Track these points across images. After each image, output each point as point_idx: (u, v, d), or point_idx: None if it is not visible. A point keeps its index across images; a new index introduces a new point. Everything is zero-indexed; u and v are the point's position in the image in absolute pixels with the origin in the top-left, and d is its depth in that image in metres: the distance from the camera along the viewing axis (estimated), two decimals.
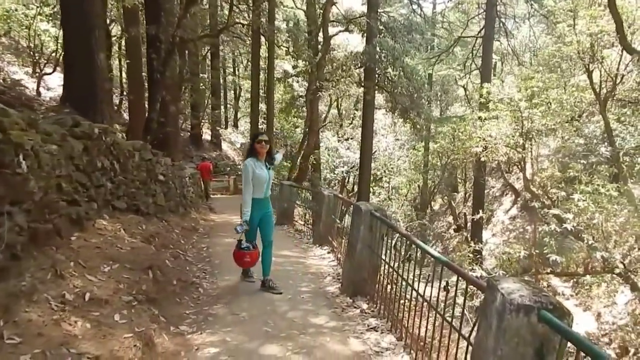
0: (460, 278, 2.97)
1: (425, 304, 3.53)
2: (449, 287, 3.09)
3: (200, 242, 8.36)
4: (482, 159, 15.47)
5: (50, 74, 16.15)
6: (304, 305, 4.79)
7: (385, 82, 22.29)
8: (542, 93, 13.99)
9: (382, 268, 4.72)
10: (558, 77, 16.61)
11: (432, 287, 3.42)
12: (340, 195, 7.89)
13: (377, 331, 4.03)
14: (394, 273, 4.29)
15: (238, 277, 5.86)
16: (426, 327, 3.65)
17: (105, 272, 3.92)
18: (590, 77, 14.97)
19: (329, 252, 7.48)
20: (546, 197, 13.18)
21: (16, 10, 21.96)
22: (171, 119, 13.78)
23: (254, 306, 4.68)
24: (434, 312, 3.29)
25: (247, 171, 5.45)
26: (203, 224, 10.89)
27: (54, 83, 17.69)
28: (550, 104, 13.81)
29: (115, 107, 26.55)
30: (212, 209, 14.03)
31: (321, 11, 21.33)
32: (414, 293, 3.73)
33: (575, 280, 14.64)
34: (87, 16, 9.11)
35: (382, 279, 4.71)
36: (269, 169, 5.66)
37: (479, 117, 14.48)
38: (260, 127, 26.38)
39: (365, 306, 4.70)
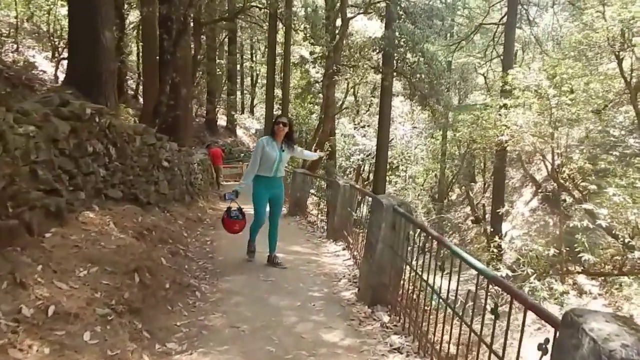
0: (515, 299, 2.30)
1: (464, 325, 2.87)
2: (498, 312, 2.42)
3: (205, 234, 7.77)
4: (508, 148, 14.67)
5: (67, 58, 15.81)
6: (314, 316, 4.14)
7: (405, 68, 21.50)
8: (571, 80, 13.16)
9: (407, 273, 4.06)
10: (584, 65, 15.72)
11: (473, 307, 2.76)
12: (357, 186, 7.21)
13: (401, 353, 3.36)
14: (423, 283, 3.63)
15: (241, 277, 5.25)
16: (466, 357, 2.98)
17: (80, 278, 3.32)
18: (620, 65, 14.15)
19: (344, 249, 6.83)
20: (576, 190, 12.37)
21: None
22: (182, 102, 13.17)
23: (257, 316, 4.03)
24: (478, 342, 2.61)
25: (258, 147, 5.84)
26: (210, 213, 10.31)
27: None
28: (578, 92, 12.99)
29: (132, 92, 26.16)
30: (222, 196, 13.46)
31: None
32: (449, 309, 3.07)
33: (603, 278, 13.86)
34: None
35: (406, 285, 4.06)
36: (283, 150, 5.84)
37: (504, 105, 13.64)
38: (275, 112, 25.80)
39: (386, 319, 4.04)
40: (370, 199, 5.34)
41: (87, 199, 4.98)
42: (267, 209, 6.07)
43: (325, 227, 8.38)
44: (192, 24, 18.54)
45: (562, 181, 12.90)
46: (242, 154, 30.20)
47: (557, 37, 32.21)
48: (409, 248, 4.02)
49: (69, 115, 4.73)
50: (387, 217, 4.33)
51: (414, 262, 3.88)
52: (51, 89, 9.66)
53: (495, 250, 16.28)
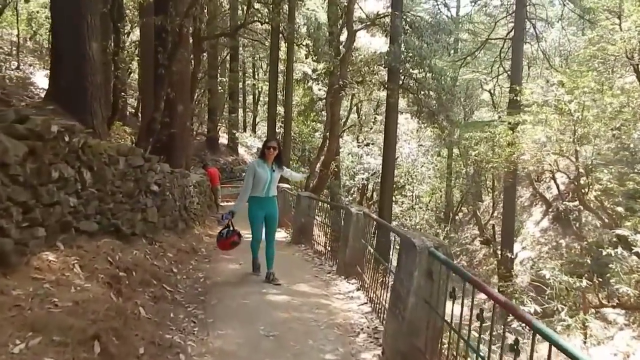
0: None
1: None
2: None
3: (199, 268, 6.84)
4: (530, 167, 13.77)
5: None
6: None
7: (411, 84, 20.73)
8: (592, 94, 12.33)
9: (449, 336, 3.14)
10: (602, 79, 14.92)
11: None
12: (373, 215, 6.27)
13: None
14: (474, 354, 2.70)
15: (237, 330, 4.31)
16: None
17: (14, 356, 2.40)
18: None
19: (358, 289, 5.87)
20: (605, 213, 11.41)
21: (38, 12, 21.06)
22: (179, 119, 12.31)
23: None
24: None
25: (250, 170, 6.32)
26: (207, 241, 9.41)
27: None
28: (601, 107, 12.14)
29: (133, 110, 25.39)
30: (219, 219, 12.56)
31: (343, 11, 19.86)
32: None
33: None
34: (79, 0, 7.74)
35: (449, 354, 3.13)
36: (274, 171, 6.26)
37: (522, 121, 12.78)
38: (277, 130, 25.04)
39: None
40: (395, 235, 4.41)
41: (49, 236, 4.08)
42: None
43: (335, 259, 7.43)
44: (191, 39, 17.89)
45: (589, 203, 11.94)
46: (244, 173, 29.33)
47: (564, 52, 31.55)
48: (452, 305, 3.09)
49: (26, 133, 3.85)
50: (422, 263, 3.41)
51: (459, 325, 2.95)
52: (30, 105, 8.85)
53: (506, 273, 15.35)
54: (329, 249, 8.46)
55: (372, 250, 5.86)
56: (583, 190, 11.70)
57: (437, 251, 3.37)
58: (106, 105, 15.30)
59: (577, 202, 19.52)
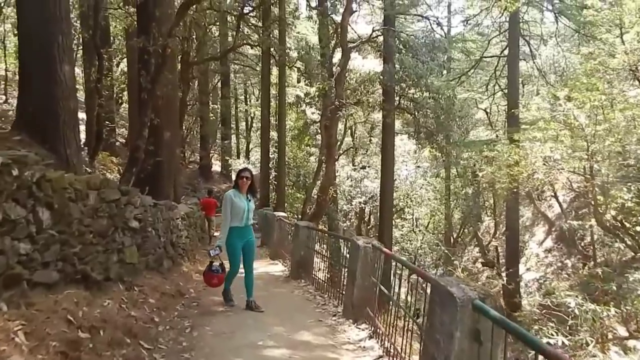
0: None
1: None
2: None
3: (185, 315, 5.96)
4: (540, 186, 13.02)
5: None
6: None
7: (408, 104, 20.15)
8: (604, 110, 11.69)
9: None
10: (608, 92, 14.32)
11: None
12: (385, 249, 5.43)
13: None
14: None
15: None
16: None
17: None
18: None
19: (370, 336, 5.00)
20: (627, 234, 10.60)
21: None
22: (165, 147, 11.52)
23: None
24: None
25: (227, 201, 6.25)
26: (197, 279, 8.53)
27: None
28: (613, 121, 11.48)
29: (124, 140, 24.59)
30: (208, 253, 11.69)
31: (335, 31, 19.32)
32: None
33: None
34: (49, 18, 7.00)
35: None
36: (249, 200, 6.40)
37: (530, 138, 12.08)
38: (271, 156, 24.32)
39: None
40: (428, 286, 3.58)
41: None
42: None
43: (341, 300, 6.56)
44: (179, 64, 17.26)
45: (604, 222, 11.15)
46: None
47: (559, 68, 31.16)
48: None
49: None
50: (464, 321, 2.60)
51: None
52: None
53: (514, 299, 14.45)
54: (332, 284, 7.60)
55: (387, 292, 5.02)
56: (600, 210, 10.91)
57: (485, 304, 2.56)
58: (91, 135, 14.70)
59: (581, 221, 18.78)
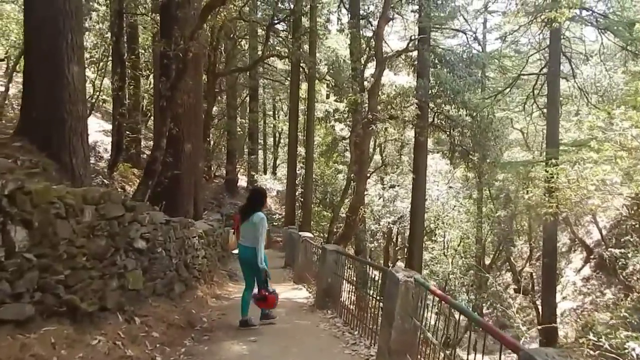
0: None
1: None
2: None
3: (192, 353, 5.10)
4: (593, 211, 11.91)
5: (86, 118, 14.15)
6: None
7: (443, 121, 19.23)
8: None
9: None
10: None
11: None
12: (434, 288, 4.48)
13: None
14: None
15: None
16: None
17: None
18: None
19: None
20: None
21: None
22: (185, 159, 10.80)
23: None
24: None
25: (265, 225, 6.32)
26: (213, 305, 7.73)
27: (91, 129, 16.33)
28: None
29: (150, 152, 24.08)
30: (233, 275, 10.89)
31: (367, 44, 18.60)
32: None
33: None
34: (57, 13, 6.37)
35: None
36: None
37: (579, 160, 11.01)
38: (298, 172, 23.62)
39: None
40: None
41: None
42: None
43: (374, 340, 5.62)
44: (205, 76, 16.69)
45: None
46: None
47: (600, 88, 29.81)
48: None
49: None
50: None
51: None
52: None
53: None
54: (361, 314, 6.66)
55: (435, 341, 4.09)
56: None
57: None
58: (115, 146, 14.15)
59: (623, 249, 17.45)
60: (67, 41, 6.35)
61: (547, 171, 12.98)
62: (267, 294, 6.26)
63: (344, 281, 7.51)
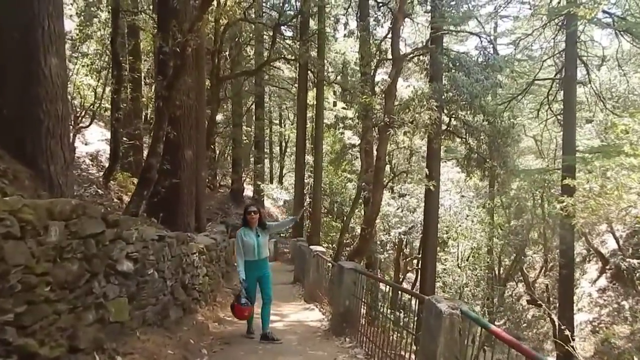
0: None
1: None
2: None
3: None
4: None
5: (87, 127, 14.21)
6: None
7: (458, 127, 18.26)
8: None
9: None
10: None
11: None
12: (495, 328, 3.51)
13: None
14: None
15: None
16: None
17: None
18: None
19: None
20: None
21: None
22: (186, 167, 9.89)
23: None
24: None
25: (237, 239, 6.45)
26: (214, 330, 6.78)
27: (94, 138, 16.61)
28: None
29: None
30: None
31: (377, 47, 17.73)
32: None
33: None
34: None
35: None
36: (258, 235, 6.45)
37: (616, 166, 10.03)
38: (306, 181, 22.75)
39: None
40: None
41: None
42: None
43: None
44: (208, 81, 15.85)
45: None
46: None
47: (616, 93, 28.87)
48: None
49: None
50: None
51: None
52: None
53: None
54: (389, 346, 5.68)
55: None
56: None
57: None
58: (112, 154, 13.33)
59: None
60: (43, 28, 5.47)
61: (582, 179, 12.01)
62: (235, 303, 6.34)
63: (365, 305, 6.54)
